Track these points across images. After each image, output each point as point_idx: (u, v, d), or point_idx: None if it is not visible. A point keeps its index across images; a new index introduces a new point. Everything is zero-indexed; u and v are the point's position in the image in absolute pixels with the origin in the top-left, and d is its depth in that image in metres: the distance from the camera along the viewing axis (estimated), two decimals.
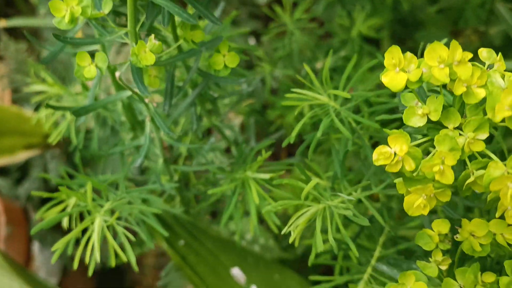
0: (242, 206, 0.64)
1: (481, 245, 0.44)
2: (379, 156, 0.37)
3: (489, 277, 0.44)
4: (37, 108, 0.77)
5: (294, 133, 0.54)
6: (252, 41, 1.09)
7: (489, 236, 0.44)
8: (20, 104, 1.13)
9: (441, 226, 0.46)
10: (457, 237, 0.45)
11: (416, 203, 0.37)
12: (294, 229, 0.50)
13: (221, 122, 0.67)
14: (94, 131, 0.65)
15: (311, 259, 0.52)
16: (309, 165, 0.57)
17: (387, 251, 0.54)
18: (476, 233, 0.44)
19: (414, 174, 0.38)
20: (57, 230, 1.15)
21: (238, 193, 0.60)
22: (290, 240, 0.51)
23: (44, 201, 0.65)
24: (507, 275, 0.44)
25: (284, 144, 0.56)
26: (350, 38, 0.85)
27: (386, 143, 0.48)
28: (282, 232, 0.51)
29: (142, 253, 1.16)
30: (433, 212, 0.57)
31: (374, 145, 0.57)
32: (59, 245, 0.53)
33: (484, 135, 0.36)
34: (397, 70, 0.37)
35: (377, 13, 0.87)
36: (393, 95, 0.54)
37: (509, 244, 0.45)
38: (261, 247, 0.85)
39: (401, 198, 0.58)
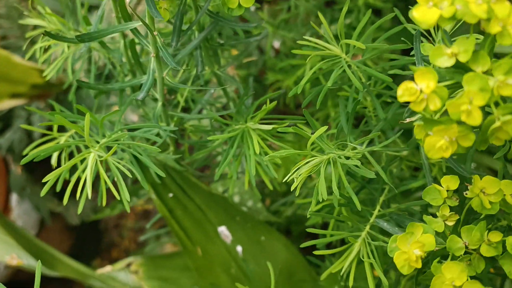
0: (238, 161, 0.61)
1: (490, 202, 0.42)
2: (404, 91, 0.35)
3: (496, 236, 0.42)
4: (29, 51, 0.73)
5: (303, 82, 0.52)
6: (253, 8, 1.06)
7: (499, 194, 0.42)
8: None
9: (451, 181, 0.44)
10: (466, 194, 0.43)
11: (438, 144, 0.35)
12: (297, 177, 0.48)
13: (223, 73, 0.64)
14: (91, 70, 0.62)
15: (311, 209, 0.50)
16: (313, 122, 0.55)
17: (386, 210, 0.52)
18: (487, 190, 0.42)
19: (437, 116, 0.36)
20: (36, 182, 1.12)
21: (237, 145, 0.58)
22: (292, 187, 0.49)
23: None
24: None
25: (291, 94, 0.54)
26: (356, 6, 0.83)
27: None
28: (284, 179, 0.49)
29: (120, 214, 1.14)
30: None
31: (381, 104, 0.56)
32: (50, 177, 0.50)
33: None
34: (430, 4, 0.35)
35: None
36: (406, 52, 0.52)
37: None
38: (248, 209, 0.83)
39: (399, 164, 0.56)
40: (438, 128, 0.35)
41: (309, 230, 0.51)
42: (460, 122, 0.35)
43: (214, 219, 0.73)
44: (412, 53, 0.49)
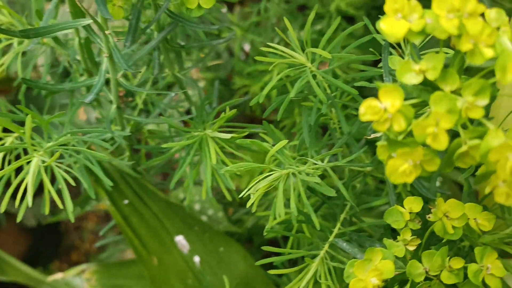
0: (196, 170, 0.58)
1: (453, 227, 0.40)
2: (367, 110, 0.32)
3: (457, 263, 0.40)
4: None
5: (267, 90, 0.49)
6: (224, 10, 1.02)
7: (463, 219, 0.40)
8: None
9: (414, 203, 0.41)
10: (429, 217, 0.41)
11: (401, 168, 0.32)
12: (254, 193, 0.45)
13: (184, 76, 0.61)
14: (44, 67, 0.58)
15: (268, 228, 0.47)
16: (274, 133, 0.52)
17: (347, 228, 0.50)
18: (450, 214, 0.40)
19: (400, 138, 0.33)
20: None
21: (194, 153, 0.54)
22: (248, 204, 0.45)
23: None
24: (476, 262, 0.40)
25: (253, 102, 0.51)
26: (328, 12, 0.80)
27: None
28: (241, 195, 0.46)
29: (82, 215, 1.09)
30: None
31: (346, 117, 0.53)
32: None
33: (484, 101, 0.32)
34: (399, 16, 0.32)
35: None
36: (375, 63, 0.49)
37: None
38: (209, 219, 0.79)
39: (363, 179, 0.54)
40: (403, 151, 0.32)
41: (264, 248, 0.48)
42: (425, 145, 0.32)
43: (171, 228, 0.70)
44: (380, 65, 0.47)
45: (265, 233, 0.47)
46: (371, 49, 0.48)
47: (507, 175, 0.30)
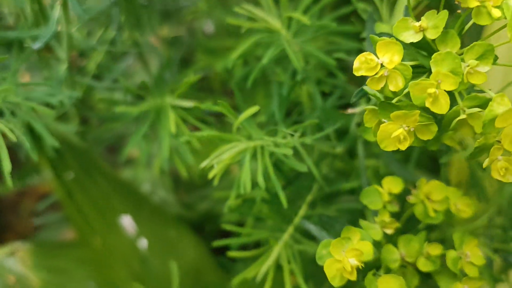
0: (149, 143, 0.53)
1: (435, 211, 0.37)
2: (362, 64, 0.28)
3: (435, 249, 0.36)
4: None
5: (236, 54, 0.44)
6: None
7: (445, 202, 0.37)
8: None
9: (393, 184, 0.38)
10: (409, 198, 0.37)
11: (395, 133, 0.28)
12: (217, 164, 0.40)
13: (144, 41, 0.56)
14: None
15: (229, 203, 0.43)
16: (241, 101, 0.47)
17: (314, 211, 0.46)
18: (432, 196, 0.37)
19: (394, 101, 0.29)
20: None
21: (150, 123, 0.49)
22: (211, 175, 0.41)
23: None
24: (455, 249, 0.37)
25: (219, 67, 0.46)
26: None
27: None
28: (202, 166, 0.41)
29: (20, 192, 1.01)
30: None
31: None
32: None
33: (487, 67, 0.29)
34: None
35: None
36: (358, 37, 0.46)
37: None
38: (159, 200, 0.74)
39: (332, 163, 0.50)
40: (397, 114, 0.28)
41: (224, 226, 0.43)
42: (422, 109, 0.29)
43: (119, 207, 0.64)
44: (362, 35, 0.43)
45: (225, 211, 0.43)
46: (352, 20, 0.44)
47: (508, 145, 0.27)
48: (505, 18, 0.28)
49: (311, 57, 0.45)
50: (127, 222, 0.65)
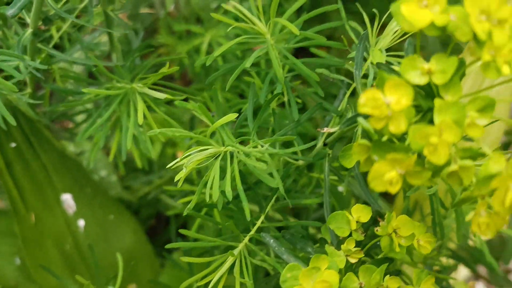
0: (109, 126, 0.49)
1: (400, 246, 0.37)
2: (368, 101, 0.27)
3: (394, 283, 0.36)
4: None
5: (217, 52, 0.42)
6: None
7: (411, 238, 0.37)
8: None
9: (363, 212, 0.38)
10: (377, 230, 0.37)
11: (388, 175, 0.27)
12: (187, 165, 0.38)
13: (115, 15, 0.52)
14: None
15: (191, 207, 0.41)
16: (219, 103, 0.45)
17: (272, 224, 0.45)
18: (400, 232, 0.37)
19: (385, 139, 0.29)
20: None
21: (114, 108, 0.46)
22: (177, 177, 0.39)
23: None
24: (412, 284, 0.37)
25: (197, 63, 0.44)
26: None
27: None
28: (170, 166, 0.39)
29: None
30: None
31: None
32: None
33: (486, 121, 0.28)
34: (424, 4, 0.27)
35: None
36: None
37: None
38: (100, 180, 0.71)
39: (298, 174, 0.49)
40: (394, 157, 0.27)
41: (181, 231, 0.42)
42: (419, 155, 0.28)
43: (59, 184, 0.60)
44: (350, 55, 0.42)
45: (184, 213, 0.41)
46: (342, 37, 0.43)
47: (504, 206, 0.26)
48: None
49: (293, 66, 0.44)
50: (67, 200, 0.62)
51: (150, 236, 0.73)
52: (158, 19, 0.79)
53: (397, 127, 0.27)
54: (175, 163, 0.39)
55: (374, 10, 0.42)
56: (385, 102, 0.27)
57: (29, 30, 0.45)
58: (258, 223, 0.45)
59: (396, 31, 0.44)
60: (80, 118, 0.58)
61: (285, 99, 0.46)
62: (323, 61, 0.44)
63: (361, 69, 0.39)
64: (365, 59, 0.43)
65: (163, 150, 0.74)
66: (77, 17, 0.53)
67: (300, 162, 0.48)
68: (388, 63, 0.41)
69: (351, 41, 0.46)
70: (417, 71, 0.28)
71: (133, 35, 0.53)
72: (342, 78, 0.44)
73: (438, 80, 0.28)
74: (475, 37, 0.27)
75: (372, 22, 0.43)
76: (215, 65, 0.73)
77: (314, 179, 0.51)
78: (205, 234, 0.56)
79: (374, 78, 0.41)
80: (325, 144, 0.44)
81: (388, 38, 0.44)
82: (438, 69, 0.28)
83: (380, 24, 0.44)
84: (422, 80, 0.28)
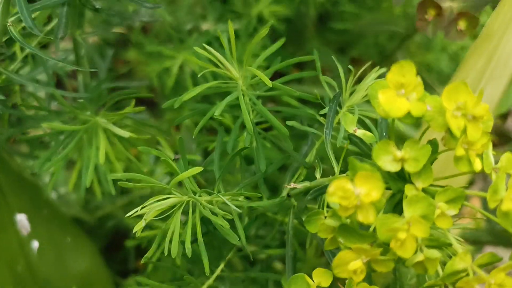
0: (64, 156, 0.47)
1: None
2: (337, 190, 0.26)
3: None
4: None
5: (188, 96, 0.40)
6: None
7: None
8: None
9: (324, 277, 0.36)
10: None
11: (353, 265, 0.27)
12: (146, 216, 0.37)
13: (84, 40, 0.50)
14: None
15: (149, 255, 0.39)
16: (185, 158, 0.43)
17: (232, 274, 0.44)
18: None
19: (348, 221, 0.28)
20: None
21: (77, 140, 0.44)
22: (136, 228, 0.37)
23: None
24: None
25: (167, 105, 0.42)
26: (248, 15, 0.73)
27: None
28: (129, 214, 0.37)
29: None
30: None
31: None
32: None
33: (455, 212, 0.28)
34: (402, 92, 0.26)
35: (283, 4, 0.77)
36: (316, 104, 0.44)
37: None
38: (59, 198, 0.68)
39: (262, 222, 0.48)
40: (360, 247, 0.27)
41: (140, 277, 0.40)
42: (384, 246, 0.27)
43: (14, 204, 0.58)
44: (322, 112, 0.41)
45: (142, 262, 0.39)
46: (316, 92, 0.42)
47: None
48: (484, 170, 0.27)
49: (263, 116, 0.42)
50: (21, 220, 0.59)
51: (106, 254, 0.71)
52: (131, 30, 0.76)
53: (365, 217, 0.26)
54: (135, 212, 0.37)
55: (350, 67, 0.41)
56: (354, 193, 0.26)
57: None
58: (218, 271, 0.43)
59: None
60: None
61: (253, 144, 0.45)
62: (295, 112, 0.43)
63: (331, 128, 0.38)
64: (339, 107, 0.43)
65: (127, 168, 0.72)
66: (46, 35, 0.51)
67: (260, 209, 0.47)
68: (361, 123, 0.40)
69: (326, 68, 0.45)
70: (389, 156, 0.28)
71: (100, 61, 0.51)
72: (313, 130, 0.43)
73: (410, 168, 0.27)
74: (449, 130, 0.27)
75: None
76: (185, 85, 0.72)
77: (277, 221, 0.50)
78: (162, 270, 0.55)
79: (344, 138, 0.40)
80: (288, 195, 0.43)
81: (361, 93, 0.43)
82: (411, 156, 0.27)
83: (355, 78, 0.43)
84: (394, 167, 0.27)
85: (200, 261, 0.44)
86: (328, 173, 0.42)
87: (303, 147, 0.46)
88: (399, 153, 0.27)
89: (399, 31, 0.70)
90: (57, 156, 0.43)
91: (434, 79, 0.76)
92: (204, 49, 0.42)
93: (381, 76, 0.44)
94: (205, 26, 0.72)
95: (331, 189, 0.26)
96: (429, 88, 0.78)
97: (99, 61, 0.51)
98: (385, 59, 0.75)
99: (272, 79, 0.41)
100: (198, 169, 0.37)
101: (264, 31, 0.41)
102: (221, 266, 0.44)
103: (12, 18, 0.41)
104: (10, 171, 0.57)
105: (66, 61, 0.56)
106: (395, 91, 0.26)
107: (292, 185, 0.40)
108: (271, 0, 0.74)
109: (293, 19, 0.79)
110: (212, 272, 0.43)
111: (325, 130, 0.38)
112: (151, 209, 0.37)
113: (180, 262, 0.49)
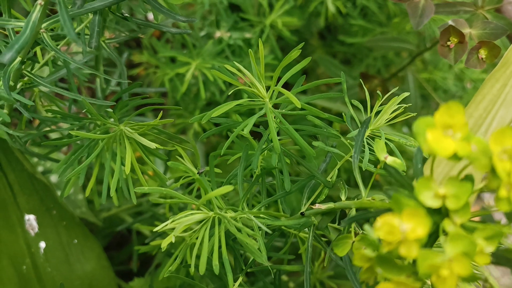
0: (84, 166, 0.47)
1: None
2: (384, 226, 0.26)
3: None
4: None
5: (217, 113, 0.40)
6: None
7: None
8: None
9: None
10: None
11: None
12: (175, 231, 0.37)
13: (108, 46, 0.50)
14: None
15: (170, 269, 0.39)
16: (213, 178, 0.43)
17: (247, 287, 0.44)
18: None
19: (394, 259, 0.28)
20: None
21: (102, 147, 0.44)
22: (165, 243, 0.37)
23: None
24: None
25: (194, 120, 0.42)
26: (261, 23, 0.74)
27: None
28: (158, 228, 0.38)
29: None
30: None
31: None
32: None
33: (492, 249, 0.29)
34: (449, 133, 0.27)
35: (295, 15, 0.77)
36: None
37: None
38: (66, 198, 0.68)
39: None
40: (401, 280, 0.27)
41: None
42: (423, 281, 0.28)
43: (24, 204, 0.57)
44: (350, 134, 0.42)
45: (165, 275, 0.40)
46: (343, 113, 0.43)
47: None
48: None
49: (290, 136, 0.43)
50: (30, 220, 0.59)
51: (107, 253, 0.70)
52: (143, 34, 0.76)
53: (408, 252, 0.27)
54: (162, 227, 0.38)
55: (379, 92, 0.42)
56: (400, 229, 0.26)
57: (18, 59, 0.42)
58: (236, 284, 0.44)
59: (394, 111, 0.44)
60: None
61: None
62: (320, 131, 0.43)
63: (359, 152, 0.39)
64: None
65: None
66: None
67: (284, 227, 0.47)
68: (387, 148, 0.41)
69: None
70: (431, 192, 0.28)
71: (121, 66, 0.51)
72: (338, 151, 0.44)
73: (452, 205, 0.28)
74: (492, 170, 0.27)
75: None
76: (192, 91, 0.72)
77: (291, 234, 0.51)
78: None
79: (369, 161, 0.40)
80: (302, 213, 0.43)
81: (385, 116, 0.44)
82: (452, 193, 0.28)
83: (373, 109, 0.44)
84: (435, 203, 0.28)
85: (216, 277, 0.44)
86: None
87: (321, 165, 0.47)
88: (442, 190, 0.28)
89: (410, 49, 0.71)
90: (73, 160, 0.43)
91: (440, 97, 0.77)
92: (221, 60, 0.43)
93: (394, 94, 0.45)
94: (219, 33, 0.72)
95: (378, 223, 0.27)
96: (436, 106, 0.79)
97: (119, 66, 0.51)
98: (393, 75, 0.76)
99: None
100: (228, 188, 0.37)
101: (295, 53, 0.41)
102: (240, 280, 0.44)
103: (44, 25, 0.41)
104: (22, 170, 0.56)
105: (86, 65, 0.56)
106: (442, 131, 0.27)
107: (317, 205, 0.41)
108: (284, 11, 0.75)
109: (300, 29, 0.79)
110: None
111: (353, 154, 0.39)
112: (180, 223, 0.37)
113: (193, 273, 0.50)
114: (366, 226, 0.30)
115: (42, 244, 0.60)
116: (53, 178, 0.70)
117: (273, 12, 0.74)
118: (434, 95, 0.74)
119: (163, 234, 0.56)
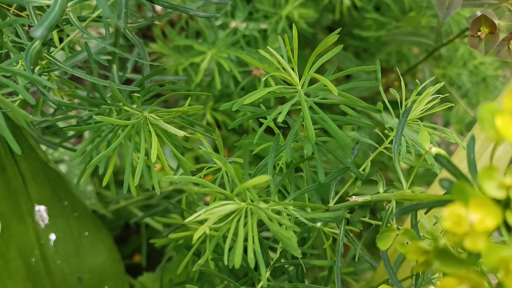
0: (115, 156, 0.45)
1: None
2: (451, 216, 0.25)
3: None
4: None
5: (249, 101, 0.39)
6: None
7: None
8: None
9: None
10: None
11: None
12: (209, 222, 0.35)
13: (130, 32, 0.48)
14: None
15: (201, 262, 0.37)
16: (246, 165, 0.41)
17: (275, 283, 0.42)
18: None
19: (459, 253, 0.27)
20: None
21: (125, 135, 0.42)
22: (197, 235, 0.35)
23: None
24: None
25: (233, 124, 0.40)
26: (277, 14, 0.72)
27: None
28: (189, 220, 0.36)
29: None
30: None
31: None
32: None
33: None
34: None
35: (310, 8, 0.76)
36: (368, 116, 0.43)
37: None
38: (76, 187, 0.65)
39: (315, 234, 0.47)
40: (465, 273, 0.26)
41: None
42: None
43: (35, 194, 0.55)
44: (388, 124, 0.40)
45: (194, 269, 0.38)
46: (379, 103, 0.41)
47: None
48: None
49: (324, 126, 0.41)
50: (40, 211, 0.56)
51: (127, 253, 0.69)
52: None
53: (473, 245, 0.25)
54: (196, 217, 0.36)
55: (417, 80, 0.40)
56: (468, 220, 0.25)
57: (38, 41, 0.40)
58: (263, 281, 0.42)
59: (428, 102, 0.42)
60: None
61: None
62: (352, 121, 0.42)
63: (400, 143, 0.37)
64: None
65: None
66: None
67: (319, 224, 0.46)
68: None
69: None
70: (494, 182, 0.27)
71: (143, 52, 0.49)
72: (371, 142, 0.42)
73: None
74: None
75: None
76: (209, 83, 0.70)
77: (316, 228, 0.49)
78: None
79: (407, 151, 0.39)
80: (327, 209, 0.42)
81: (420, 107, 0.42)
82: None
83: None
84: (500, 194, 0.26)
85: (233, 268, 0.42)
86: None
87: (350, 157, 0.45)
88: (508, 180, 0.26)
89: (427, 43, 0.70)
90: (92, 149, 0.41)
91: (455, 92, 0.76)
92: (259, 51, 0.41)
93: (409, 89, 0.44)
94: (234, 23, 0.70)
95: (445, 213, 0.25)
96: (453, 101, 0.78)
97: (140, 49, 0.49)
98: (410, 69, 0.74)
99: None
100: (264, 177, 0.35)
101: (332, 38, 0.40)
102: (267, 273, 0.42)
103: (70, 3, 0.39)
104: (36, 160, 0.54)
105: (102, 53, 0.54)
106: (510, 116, 0.25)
107: (354, 198, 0.39)
108: (299, 3, 0.73)
109: (311, 23, 0.78)
110: (259, 280, 0.42)
111: (393, 145, 0.37)
112: (213, 214, 0.35)
113: (213, 267, 0.48)
114: (423, 219, 0.28)
115: (52, 236, 0.57)
116: (62, 167, 0.67)
117: (289, 3, 0.72)
118: (451, 90, 0.73)
119: (178, 228, 0.54)
